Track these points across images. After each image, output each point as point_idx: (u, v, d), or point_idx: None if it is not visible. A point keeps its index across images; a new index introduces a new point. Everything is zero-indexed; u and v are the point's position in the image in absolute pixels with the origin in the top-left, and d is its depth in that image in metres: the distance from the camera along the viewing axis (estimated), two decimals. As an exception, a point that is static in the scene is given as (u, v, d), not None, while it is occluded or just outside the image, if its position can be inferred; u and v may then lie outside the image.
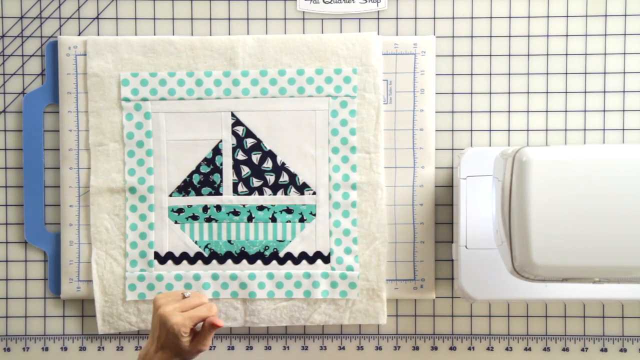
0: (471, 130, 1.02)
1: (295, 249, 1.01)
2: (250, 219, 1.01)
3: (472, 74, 1.01)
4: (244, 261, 1.01)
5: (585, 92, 1.01)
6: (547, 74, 1.01)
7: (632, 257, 0.79)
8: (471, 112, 1.02)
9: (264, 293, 1.01)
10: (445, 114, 1.02)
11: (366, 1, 1.01)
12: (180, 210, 1.00)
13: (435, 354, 1.03)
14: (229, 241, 1.01)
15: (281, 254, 1.01)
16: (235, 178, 1.00)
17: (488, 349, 1.02)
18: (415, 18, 1.01)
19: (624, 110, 1.01)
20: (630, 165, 0.79)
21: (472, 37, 1.01)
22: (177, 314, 0.87)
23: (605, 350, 1.02)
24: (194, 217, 1.01)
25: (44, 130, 1.02)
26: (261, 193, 1.00)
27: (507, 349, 1.02)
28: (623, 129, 1.01)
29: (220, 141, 1.00)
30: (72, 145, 1.01)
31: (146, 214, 1.00)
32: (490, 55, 1.01)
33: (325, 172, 1.00)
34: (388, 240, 1.01)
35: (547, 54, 1.01)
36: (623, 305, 1.02)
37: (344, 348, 1.03)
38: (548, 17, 1.01)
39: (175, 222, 1.01)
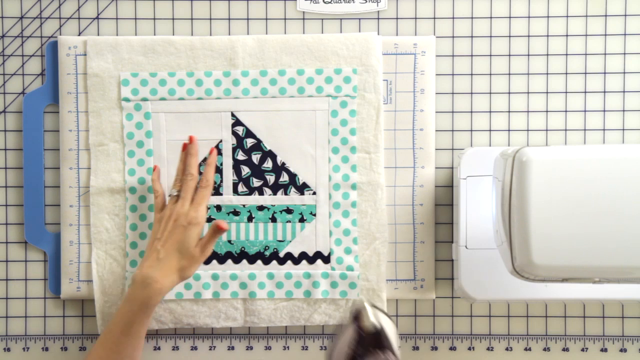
0: (471, 130, 1.02)
1: (295, 249, 1.01)
2: (250, 219, 1.01)
3: (472, 74, 1.01)
4: (244, 261, 1.01)
5: (585, 92, 1.01)
6: (547, 74, 1.01)
7: (632, 257, 0.79)
8: (471, 112, 1.02)
9: (264, 293, 1.01)
10: (445, 114, 1.02)
11: (366, 1, 1.01)
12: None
13: (435, 354, 1.03)
14: (229, 241, 1.01)
15: (281, 254, 1.01)
16: (235, 178, 1.00)
17: (488, 349, 1.02)
18: (415, 18, 1.01)
19: (624, 110, 1.01)
20: (630, 165, 0.79)
21: (472, 37, 1.01)
22: (191, 208, 0.92)
23: (605, 350, 1.02)
24: (194, 217, 1.01)
25: (44, 130, 1.02)
26: (261, 193, 1.00)
27: (507, 349, 1.02)
28: (623, 129, 1.01)
29: (220, 141, 1.00)
30: (72, 145, 1.01)
31: (146, 214, 1.00)
32: (490, 55, 1.01)
33: (325, 172, 1.00)
34: (388, 240, 1.01)
35: (547, 54, 1.01)
36: (623, 305, 1.02)
37: (344, 348, 1.03)
38: (548, 17, 1.01)
39: (175, 222, 1.01)
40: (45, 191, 1.02)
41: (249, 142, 1.00)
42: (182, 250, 0.91)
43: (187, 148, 0.96)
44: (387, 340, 0.77)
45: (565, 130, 1.01)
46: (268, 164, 1.00)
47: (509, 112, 1.01)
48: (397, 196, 1.01)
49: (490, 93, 1.01)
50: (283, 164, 1.00)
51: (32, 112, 1.01)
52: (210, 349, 1.03)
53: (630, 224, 0.78)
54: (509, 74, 1.01)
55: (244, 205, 1.01)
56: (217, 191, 1.00)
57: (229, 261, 1.01)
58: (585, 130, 1.01)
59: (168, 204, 0.95)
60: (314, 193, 1.00)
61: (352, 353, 0.76)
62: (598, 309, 1.02)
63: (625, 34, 1.01)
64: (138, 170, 1.00)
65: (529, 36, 1.01)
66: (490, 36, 1.01)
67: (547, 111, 1.01)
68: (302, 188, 1.00)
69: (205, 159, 1.00)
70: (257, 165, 1.00)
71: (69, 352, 1.03)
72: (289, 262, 1.01)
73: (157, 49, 1.00)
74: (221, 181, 1.00)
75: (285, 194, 1.00)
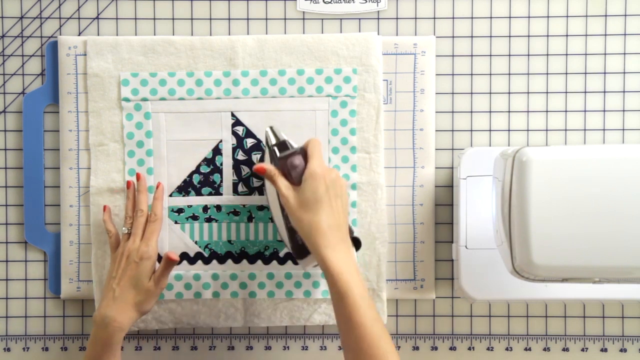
0: (471, 130, 1.02)
1: (295, 249, 1.01)
2: (250, 219, 1.01)
3: (472, 74, 1.01)
4: (244, 261, 1.01)
5: (585, 92, 1.01)
6: (547, 74, 1.01)
7: (632, 257, 0.79)
8: (471, 112, 1.02)
9: (264, 293, 1.01)
10: (445, 114, 1.02)
11: (366, 1, 1.01)
12: (180, 211, 1.00)
13: (435, 354, 1.03)
14: (229, 241, 1.01)
15: (281, 254, 1.01)
16: (235, 178, 1.00)
17: (488, 349, 1.02)
18: (415, 18, 1.01)
19: (624, 110, 1.01)
20: (630, 165, 0.79)
21: (472, 37, 1.01)
22: (142, 244, 0.93)
23: (605, 350, 1.02)
24: (194, 217, 1.01)
25: (44, 130, 1.02)
26: (261, 193, 1.00)
27: (507, 349, 1.02)
28: (623, 129, 1.01)
29: (220, 141, 1.00)
30: (72, 145, 1.01)
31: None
32: (490, 55, 1.01)
33: (325, 172, 1.00)
34: (388, 240, 1.01)
35: (547, 54, 1.01)
36: (623, 305, 1.02)
37: (344, 348, 1.03)
38: (548, 17, 1.01)
39: (175, 222, 1.01)
40: (45, 191, 1.02)
41: (249, 142, 1.00)
42: (137, 286, 0.92)
43: (137, 185, 0.97)
44: (292, 145, 0.91)
45: (565, 130, 1.01)
46: (268, 164, 1.00)
47: (509, 112, 1.01)
48: (397, 196, 1.01)
49: (490, 93, 1.01)
50: (283, 164, 1.00)
51: (32, 112, 1.01)
52: (210, 349, 1.03)
53: (630, 224, 0.78)
54: (509, 74, 1.01)
55: (244, 205, 1.01)
56: (217, 191, 1.00)
57: (229, 261, 1.01)
58: (585, 130, 1.01)
59: (121, 242, 0.95)
60: (314, 193, 1.00)
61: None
62: (598, 309, 1.02)
63: (625, 34, 1.01)
64: (138, 170, 1.00)
65: (529, 36, 1.01)
66: (490, 36, 1.01)
67: (547, 111, 1.01)
68: (302, 188, 1.00)
69: (205, 159, 1.00)
70: (257, 165, 1.00)
71: (69, 352, 1.03)
72: (289, 262, 1.01)
73: (157, 49, 1.00)
74: (221, 181, 1.00)
75: (294, 263, 1.00)
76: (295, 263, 1.00)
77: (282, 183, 0.88)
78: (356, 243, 0.92)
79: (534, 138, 1.01)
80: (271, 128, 0.93)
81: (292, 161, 0.89)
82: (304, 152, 0.90)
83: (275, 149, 0.91)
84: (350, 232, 0.90)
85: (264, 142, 0.98)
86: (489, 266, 0.95)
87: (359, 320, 0.82)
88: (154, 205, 0.97)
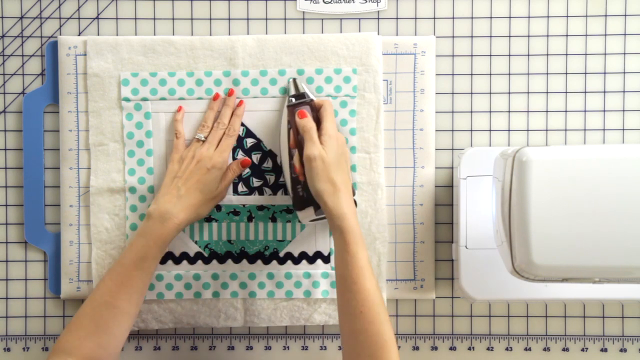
0: (471, 130, 1.02)
1: (295, 249, 1.01)
2: (250, 218, 1.01)
3: (472, 74, 1.01)
4: (244, 261, 1.01)
5: (585, 92, 1.01)
6: (547, 74, 1.01)
7: (632, 257, 0.79)
8: (471, 112, 1.02)
9: (264, 293, 1.01)
10: (445, 114, 1.02)
11: (366, 1, 1.01)
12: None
13: (435, 354, 1.03)
14: (229, 241, 1.01)
15: (281, 254, 1.01)
16: (235, 178, 1.00)
17: (488, 349, 1.02)
18: (415, 18, 1.01)
19: (624, 110, 1.01)
20: (630, 165, 0.79)
21: (472, 37, 1.01)
22: (216, 153, 0.96)
23: (605, 350, 1.02)
24: (194, 217, 1.01)
25: (44, 130, 1.02)
26: (261, 193, 1.00)
27: (507, 349, 1.02)
28: (623, 129, 1.01)
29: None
30: (72, 145, 1.01)
31: (146, 214, 1.00)
32: (490, 55, 1.01)
33: (325, 172, 1.00)
34: (388, 240, 1.01)
35: (547, 54, 1.01)
36: (623, 305, 1.02)
37: (344, 348, 1.03)
38: (548, 17, 1.01)
39: (175, 222, 1.01)
40: (45, 191, 1.02)
41: (249, 142, 1.00)
42: (204, 191, 0.94)
43: (225, 100, 0.99)
44: (309, 97, 0.95)
45: (565, 130, 1.01)
46: (268, 164, 1.00)
47: (509, 112, 1.01)
48: (397, 196, 1.01)
49: (490, 93, 1.01)
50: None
51: (32, 112, 1.01)
52: (210, 349, 1.03)
53: (630, 224, 0.78)
54: (509, 74, 1.01)
55: (244, 205, 1.01)
56: (217, 191, 1.00)
57: (229, 261, 1.01)
58: (585, 130, 1.01)
59: (191, 146, 0.97)
60: (314, 193, 1.00)
61: (288, 125, 0.95)
62: (598, 309, 1.02)
63: (625, 34, 1.01)
64: (138, 170, 1.00)
65: (529, 36, 1.01)
66: (490, 36, 1.01)
67: (547, 111, 1.01)
68: (302, 188, 1.00)
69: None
70: (257, 165, 1.00)
71: (69, 352, 1.03)
72: (289, 262, 1.01)
73: (157, 48, 1.00)
74: (221, 181, 1.00)
75: (286, 194, 1.00)
76: (295, 263, 1.00)
77: (317, 141, 0.90)
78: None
79: (534, 138, 1.01)
80: (293, 80, 0.97)
81: (299, 110, 0.93)
82: (313, 106, 0.94)
83: (293, 99, 0.95)
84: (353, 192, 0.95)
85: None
86: (489, 266, 0.95)
87: (365, 284, 0.84)
88: (234, 121, 0.98)
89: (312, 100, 0.95)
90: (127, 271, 0.90)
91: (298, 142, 0.93)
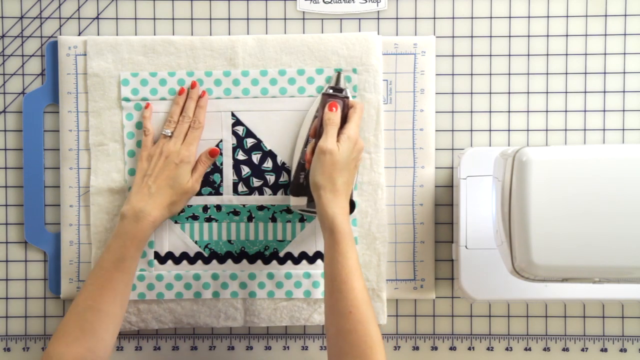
0: (471, 130, 1.02)
1: (295, 249, 1.01)
2: (250, 219, 1.01)
3: (472, 74, 1.01)
4: (244, 261, 1.01)
5: (585, 92, 1.01)
6: (547, 74, 1.01)
7: (632, 257, 0.79)
8: (471, 112, 1.02)
9: (264, 293, 1.01)
10: (445, 114, 1.02)
11: (366, 1, 1.01)
12: (180, 210, 1.00)
13: (435, 354, 1.03)
14: (229, 241, 1.01)
15: (281, 254, 1.01)
16: (236, 178, 1.00)
17: (488, 349, 1.02)
18: (415, 18, 1.01)
19: (624, 110, 1.01)
20: (630, 165, 0.79)
21: (472, 37, 1.01)
22: (183, 147, 0.96)
23: (605, 350, 1.02)
24: (194, 217, 1.01)
25: (44, 130, 1.02)
26: (261, 193, 1.00)
27: (507, 349, 1.02)
28: (623, 129, 1.01)
29: (221, 141, 1.00)
30: (72, 145, 1.01)
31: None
32: (490, 55, 1.01)
33: (325, 172, 1.00)
34: (388, 240, 1.01)
35: (547, 54, 1.01)
36: (623, 305, 1.02)
37: (344, 348, 1.03)
38: (548, 17, 1.01)
39: (175, 222, 1.01)
40: (45, 191, 1.02)
41: (249, 142, 1.00)
42: (174, 186, 0.94)
43: (188, 92, 0.99)
44: (347, 95, 0.96)
45: (565, 130, 1.01)
46: (268, 164, 1.00)
47: (509, 112, 1.01)
48: (397, 196, 1.01)
49: (490, 93, 1.01)
50: (283, 163, 1.00)
51: (32, 112, 1.01)
52: (210, 349, 1.03)
53: (630, 224, 0.78)
54: (509, 74, 1.01)
55: (244, 205, 1.01)
56: (217, 191, 1.00)
57: (229, 261, 1.01)
58: (585, 130, 1.01)
59: (159, 142, 0.97)
60: (314, 193, 1.00)
61: (316, 113, 0.95)
62: (598, 309, 1.02)
63: (625, 34, 1.01)
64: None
65: (529, 36, 1.01)
66: (490, 36, 1.01)
67: (547, 111, 1.01)
68: (302, 188, 1.00)
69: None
70: (257, 165, 1.00)
71: (69, 352, 1.03)
72: (289, 262, 1.01)
73: (157, 48, 1.00)
74: (221, 181, 1.00)
75: (286, 194, 1.00)
76: (295, 263, 1.00)
77: (335, 136, 0.90)
78: (352, 206, 0.96)
79: (534, 138, 1.01)
80: (339, 73, 0.98)
81: (331, 102, 0.93)
82: (346, 103, 0.95)
83: (331, 90, 0.96)
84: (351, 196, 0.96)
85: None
86: (489, 266, 0.95)
87: (354, 284, 0.84)
88: (198, 113, 0.98)
89: (347, 97, 0.95)
90: (107, 274, 0.90)
91: (318, 132, 0.93)
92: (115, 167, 1.00)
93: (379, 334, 0.83)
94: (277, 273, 1.01)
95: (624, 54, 1.01)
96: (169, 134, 0.97)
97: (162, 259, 1.00)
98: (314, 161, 0.89)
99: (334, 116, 0.92)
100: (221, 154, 1.00)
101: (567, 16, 1.01)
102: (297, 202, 0.96)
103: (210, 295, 1.01)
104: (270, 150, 1.00)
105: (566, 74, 1.01)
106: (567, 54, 1.01)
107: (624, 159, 0.79)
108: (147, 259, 1.00)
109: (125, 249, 0.90)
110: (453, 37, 1.01)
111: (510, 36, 1.01)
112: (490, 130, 1.01)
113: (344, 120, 0.93)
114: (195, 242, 1.01)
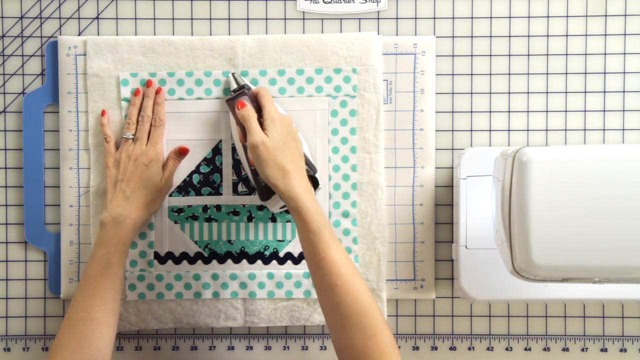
0: (471, 130, 1.02)
1: (295, 249, 1.01)
2: (250, 218, 1.01)
3: (472, 74, 1.01)
4: (244, 261, 1.01)
5: (585, 92, 1.01)
6: (547, 74, 1.01)
7: (632, 257, 0.79)
8: (471, 112, 1.02)
9: (264, 293, 1.01)
10: (445, 114, 1.02)
11: (366, 1, 1.01)
12: (180, 210, 1.00)
13: (435, 354, 1.03)
14: (229, 241, 1.01)
15: (281, 254, 1.01)
16: (235, 178, 1.00)
17: (488, 349, 1.02)
18: (415, 18, 1.01)
19: (624, 110, 1.01)
20: (630, 165, 0.79)
21: (472, 37, 1.01)
22: (149, 147, 0.96)
23: (605, 350, 1.02)
24: (194, 217, 1.01)
25: (44, 130, 1.02)
26: (261, 193, 1.00)
27: (507, 349, 1.02)
28: (623, 129, 1.01)
29: (220, 141, 1.00)
30: (72, 145, 1.01)
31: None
32: (490, 55, 1.01)
33: (325, 172, 1.00)
34: (388, 240, 1.01)
35: (547, 54, 1.01)
36: (623, 305, 1.02)
37: (344, 348, 1.03)
38: (548, 17, 1.01)
39: (175, 222, 1.01)
40: (45, 191, 1.02)
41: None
42: (148, 186, 0.95)
43: (146, 91, 0.99)
44: (250, 88, 0.95)
45: (565, 130, 1.01)
46: (268, 164, 1.00)
47: (509, 112, 1.01)
48: (397, 196, 1.01)
49: (490, 93, 1.01)
50: (283, 164, 1.00)
51: (32, 112, 1.01)
52: (210, 349, 1.03)
53: (630, 224, 0.78)
54: (509, 74, 1.01)
55: (244, 205, 1.01)
56: (217, 191, 1.00)
57: (229, 261, 1.01)
58: (585, 130, 1.01)
59: (122, 146, 0.97)
60: (314, 193, 1.00)
61: (236, 121, 0.93)
62: (598, 309, 1.02)
63: (625, 34, 1.01)
64: (138, 170, 1.00)
65: (529, 36, 1.01)
66: (490, 36, 1.01)
67: (547, 111, 1.01)
68: (302, 188, 1.00)
69: (205, 159, 1.00)
70: (257, 165, 1.00)
71: (69, 352, 1.03)
72: (289, 262, 1.01)
73: (156, 48, 1.00)
74: (221, 181, 1.00)
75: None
76: (295, 263, 1.00)
77: (258, 128, 0.89)
78: (314, 182, 0.95)
79: (534, 138, 1.01)
80: (232, 74, 0.97)
81: (238, 101, 0.92)
82: (252, 95, 0.93)
83: (233, 94, 0.94)
84: (313, 170, 0.95)
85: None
86: (489, 266, 0.95)
87: (334, 257, 0.83)
88: (157, 110, 0.98)
89: (249, 89, 0.94)
90: (95, 282, 0.89)
91: (244, 134, 0.91)
92: (115, 167, 1.00)
93: (371, 299, 0.83)
94: (277, 273, 1.01)
95: (624, 54, 1.01)
96: (131, 137, 0.97)
97: (162, 259, 1.00)
98: (254, 159, 0.89)
99: (246, 111, 0.90)
100: (220, 154, 1.00)
101: (567, 16, 1.01)
102: (272, 203, 0.95)
103: (210, 295, 1.01)
104: (270, 150, 1.00)
105: (566, 74, 1.01)
106: (567, 54, 1.01)
107: (624, 159, 0.79)
108: (147, 259, 1.01)
109: (110, 255, 0.90)
110: (453, 37, 1.01)
111: (510, 36, 1.01)
112: (490, 130, 1.01)
113: (260, 109, 0.92)
114: (195, 242, 1.01)
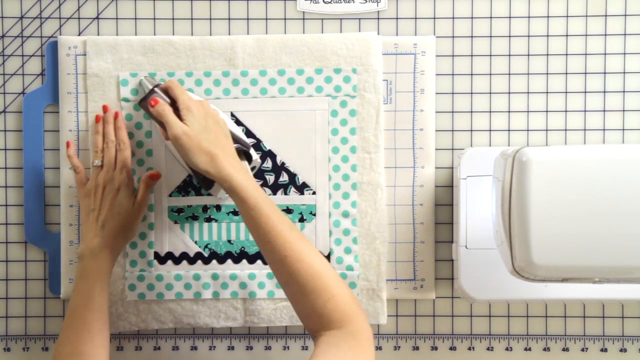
0: (471, 130, 1.02)
1: (295, 249, 1.01)
2: (250, 219, 1.00)
3: (472, 74, 1.01)
4: (244, 261, 1.01)
5: (585, 92, 1.01)
6: (547, 74, 1.01)
7: (632, 257, 0.79)
8: (471, 112, 1.02)
9: (264, 293, 1.01)
10: (445, 114, 1.02)
11: (366, 1, 1.01)
12: (180, 210, 1.00)
13: (435, 354, 1.03)
14: (229, 241, 1.01)
15: (281, 254, 1.01)
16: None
17: (488, 349, 1.02)
18: (415, 18, 1.01)
19: (624, 110, 1.01)
20: (630, 165, 0.79)
21: (472, 37, 1.01)
22: (117, 172, 0.94)
23: (605, 350, 1.02)
24: (194, 217, 1.01)
25: (44, 130, 1.02)
26: (261, 193, 1.00)
27: (507, 349, 1.02)
28: (623, 129, 1.01)
29: (220, 141, 1.00)
30: (72, 145, 1.01)
31: (146, 214, 1.00)
32: (490, 55, 1.01)
33: (325, 172, 1.00)
34: (388, 240, 1.01)
35: (547, 54, 1.01)
36: (623, 305, 1.02)
37: (344, 348, 1.03)
38: (548, 17, 1.01)
39: (175, 222, 1.01)
40: (45, 191, 1.02)
41: (249, 142, 1.00)
42: (121, 213, 0.94)
43: (104, 117, 0.98)
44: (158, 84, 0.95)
45: (565, 130, 1.01)
46: (268, 164, 1.00)
47: (509, 112, 1.01)
48: (397, 196, 1.01)
49: (490, 93, 1.01)
50: (283, 163, 1.00)
51: (32, 112, 1.01)
52: (210, 349, 1.03)
53: (630, 224, 0.78)
54: (509, 74, 1.01)
55: (243, 205, 1.00)
56: (217, 191, 1.00)
57: (229, 261, 1.01)
58: (585, 130, 1.01)
59: (92, 175, 0.96)
60: (314, 193, 1.00)
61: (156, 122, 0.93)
62: (598, 309, 1.02)
63: (625, 34, 1.01)
64: (138, 170, 1.00)
65: (529, 36, 1.01)
66: (490, 36, 1.01)
67: (547, 111, 1.01)
68: (301, 188, 1.00)
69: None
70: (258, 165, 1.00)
71: (69, 352, 1.03)
72: (289, 262, 1.01)
73: (156, 49, 1.00)
74: (221, 181, 1.00)
75: (285, 193, 1.00)
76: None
77: (175, 120, 0.89)
78: (247, 156, 0.95)
79: (534, 138, 1.01)
80: (144, 78, 0.97)
81: (149, 99, 0.92)
82: (162, 91, 0.93)
83: (143, 99, 0.95)
84: (246, 146, 0.95)
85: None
86: (489, 266, 0.95)
87: (277, 228, 0.83)
88: (119, 134, 0.97)
89: (157, 84, 0.94)
90: (79, 317, 0.89)
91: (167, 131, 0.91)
92: (115, 167, 1.00)
93: (322, 260, 0.83)
94: (277, 273, 1.00)
95: (624, 54, 1.01)
96: (99, 164, 0.96)
97: (162, 259, 1.00)
98: (179, 151, 0.88)
99: (160, 107, 0.90)
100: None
101: (567, 16, 1.01)
102: (216, 191, 0.96)
103: (210, 296, 1.01)
104: (269, 150, 1.00)
105: (566, 74, 1.01)
106: (567, 54, 1.01)
107: (624, 159, 0.79)
108: (147, 259, 1.01)
109: (92, 286, 0.90)
110: (453, 37, 1.01)
111: (510, 36, 1.01)
112: (490, 130, 1.01)
113: (175, 103, 0.92)
114: (195, 242, 1.01)
